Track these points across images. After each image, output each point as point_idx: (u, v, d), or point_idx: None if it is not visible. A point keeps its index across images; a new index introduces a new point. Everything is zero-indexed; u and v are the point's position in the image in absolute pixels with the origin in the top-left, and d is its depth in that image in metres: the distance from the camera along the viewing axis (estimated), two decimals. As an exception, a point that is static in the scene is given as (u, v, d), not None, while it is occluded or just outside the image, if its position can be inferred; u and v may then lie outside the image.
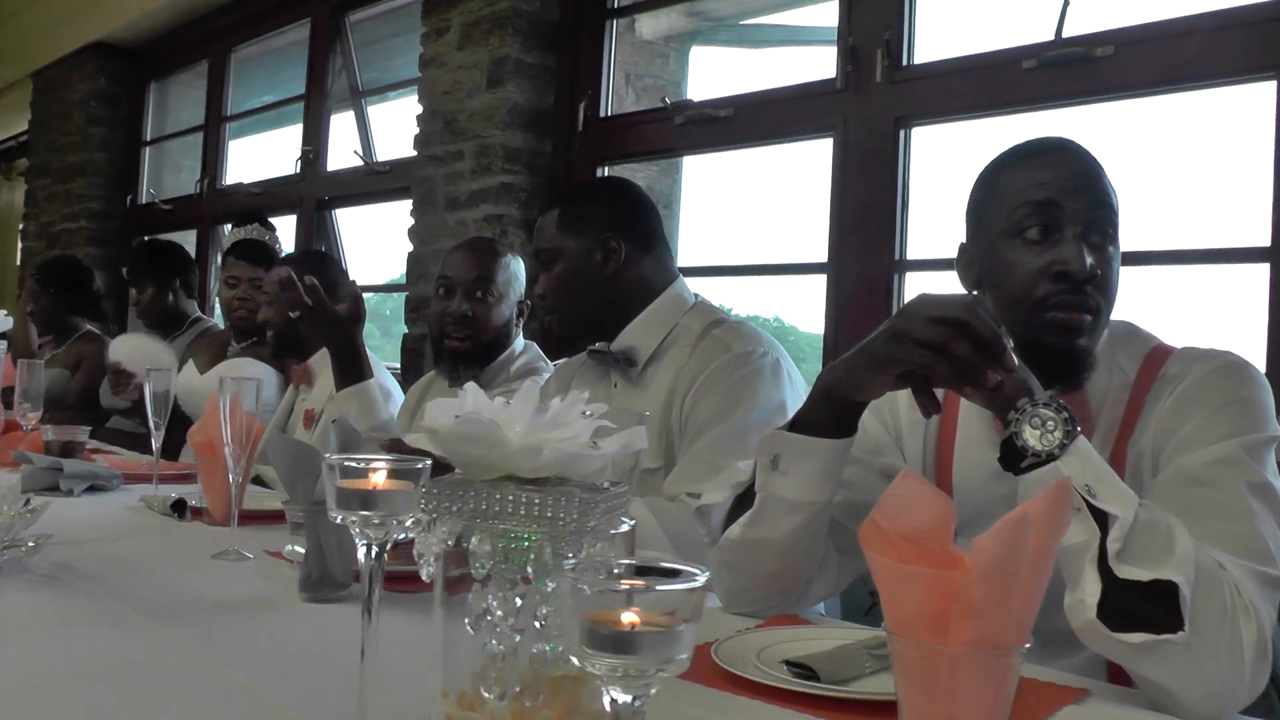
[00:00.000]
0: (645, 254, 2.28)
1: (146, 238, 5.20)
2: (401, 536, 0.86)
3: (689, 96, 4.12)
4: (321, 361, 3.36)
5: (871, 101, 3.33)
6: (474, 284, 2.71)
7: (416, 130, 4.39)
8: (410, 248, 4.35)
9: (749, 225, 3.98)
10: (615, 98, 4.14)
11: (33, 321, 5.11)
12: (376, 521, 0.86)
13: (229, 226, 4.71)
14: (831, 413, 1.48)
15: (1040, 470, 1.35)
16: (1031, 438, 1.35)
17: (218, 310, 5.04)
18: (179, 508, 2.32)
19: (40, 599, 1.55)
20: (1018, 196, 1.64)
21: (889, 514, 1.06)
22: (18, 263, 8.29)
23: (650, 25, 4.31)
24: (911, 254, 3.30)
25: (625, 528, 0.62)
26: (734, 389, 2.04)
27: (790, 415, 2.06)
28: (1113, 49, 2.88)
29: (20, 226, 7.93)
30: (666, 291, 2.28)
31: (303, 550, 1.62)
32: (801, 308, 3.91)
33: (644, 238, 2.28)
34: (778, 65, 4.13)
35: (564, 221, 2.28)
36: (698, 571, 0.66)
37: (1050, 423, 1.35)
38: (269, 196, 5.79)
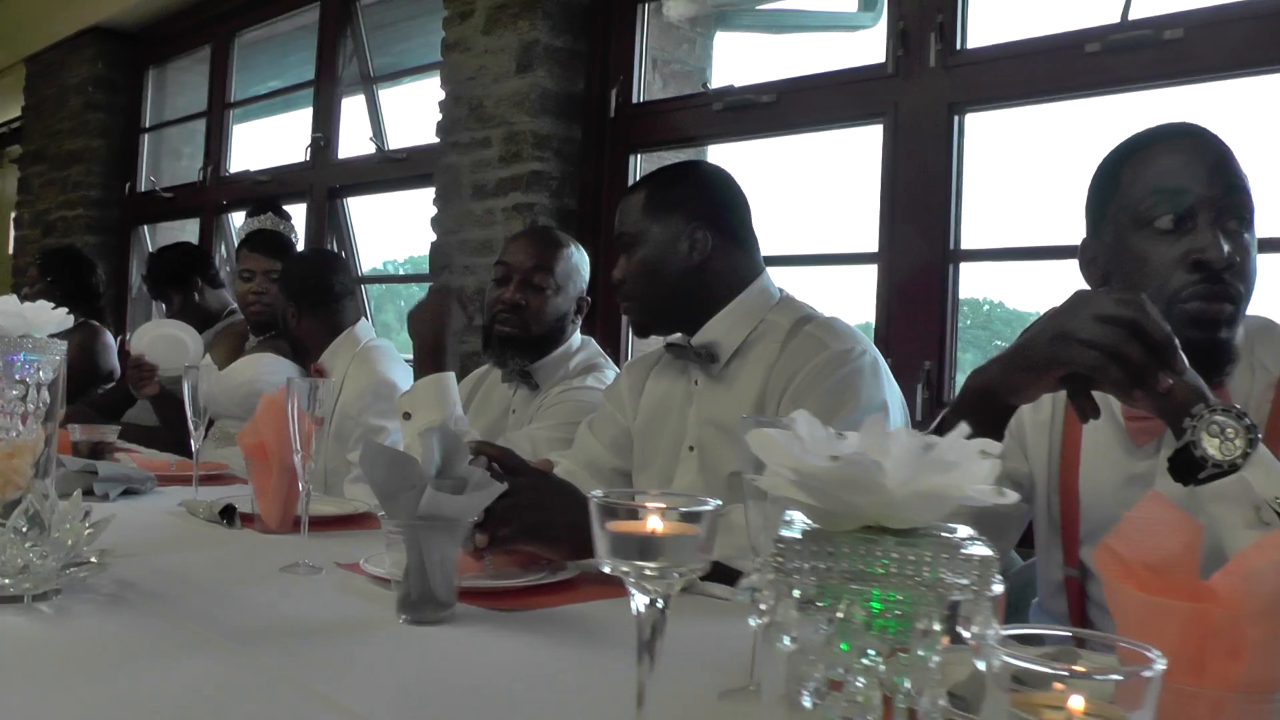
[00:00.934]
0: (733, 246, 2.16)
1: (154, 250, 5.05)
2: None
3: (714, 83, 4.00)
4: (331, 357, 3.23)
5: (924, 86, 3.22)
6: (531, 272, 2.59)
7: (438, 116, 4.25)
8: (433, 237, 4.22)
9: (787, 214, 3.87)
10: (644, 84, 4.02)
11: None
12: (654, 573, 0.73)
13: (241, 216, 4.57)
14: (982, 416, 1.37)
15: (1222, 481, 1.25)
16: (1211, 446, 1.25)
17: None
18: (228, 514, 2.19)
19: (113, 623, 1.43)
20: (1146, 185, 1.55)
21: (1130, 540, 0.94)
22: (10, 251, 8.12)
23: (675, 9, 4.18)
24: (965, 243, 3.19)
25: (999, 589, 0.50)
26: (836, 390, 1.92)
27: (892, 416, 1.95)
28: (1182, 31, 2.78)
29: (13, 214, 7.76)
30: (753, 284, 2.17)
31: (392, 565, 1.51)
32: (845, 299, 3.81)
33: (733, 229, 2.17)
34: (806, 50, 4.01)
35: (650, 205, 2.16)
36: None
37: (1230, 429, 1.26)
38: (277, 184, 5.64)
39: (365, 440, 1.44)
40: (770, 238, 3.86)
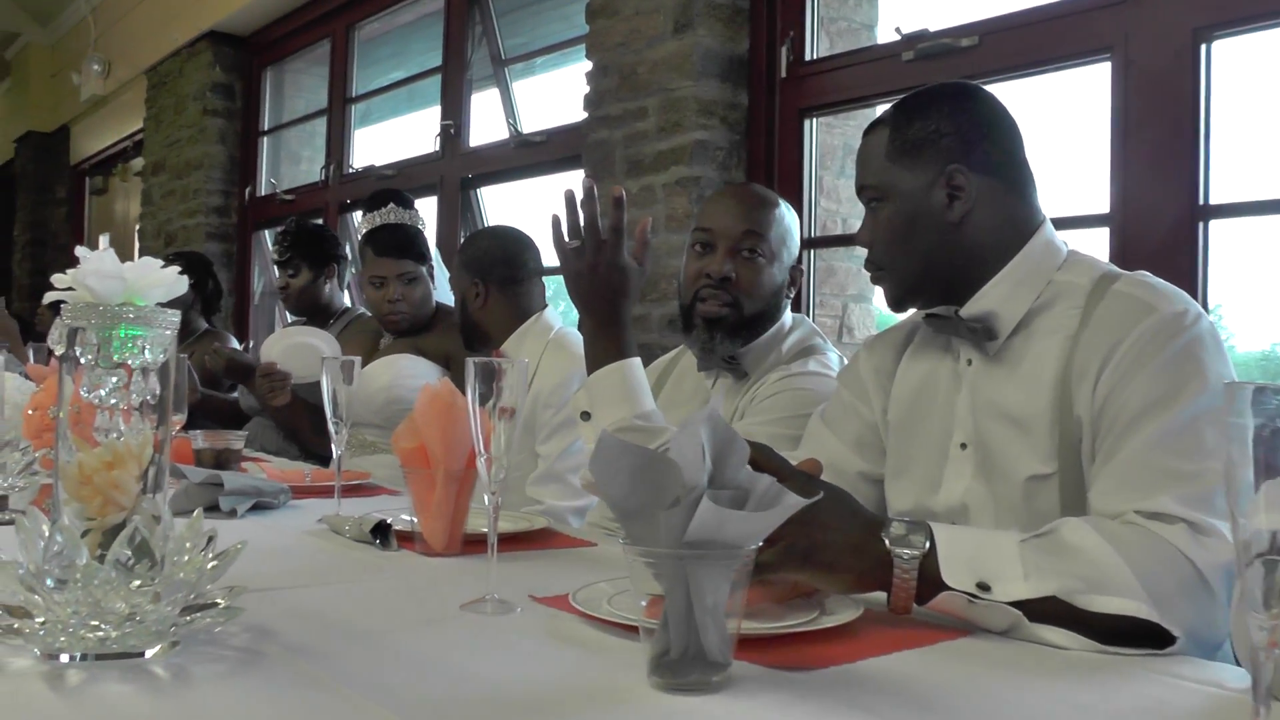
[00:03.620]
0: (1005, 190, 1.68)
1: (296, 218, 4.70)
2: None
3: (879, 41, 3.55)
4: (517, 345, 2.83)
5: (1161, 11, 2.71)
6: (741, 238, 2.13)
7: (581, 94, 3.84)
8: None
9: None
10: (816, 39, 3.57)
11: None
12: None
13: (358, 215, 4.19)
14: None
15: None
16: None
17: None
18: (381, 533, 1.78)
19: (248, 690, 1.02)
20: None
21: None
22: (134, 265, 7.95)
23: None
24: (1216, 198, 2.68)
25: None
26: (1174, 365, 1.42)
27: None
28: None
29: (137, 227, 7.60)
30: (1034, 239, 1.67)
31: (637, 605, 1.07)
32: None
33: (1002, 168, 1.69)
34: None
35: (895, 149, 1.69)
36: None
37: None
38: (404, 178, 5.28)
39: (603, 436, 1.00)
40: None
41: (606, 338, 1.98)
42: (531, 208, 4.82)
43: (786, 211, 2.21)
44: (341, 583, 1.55)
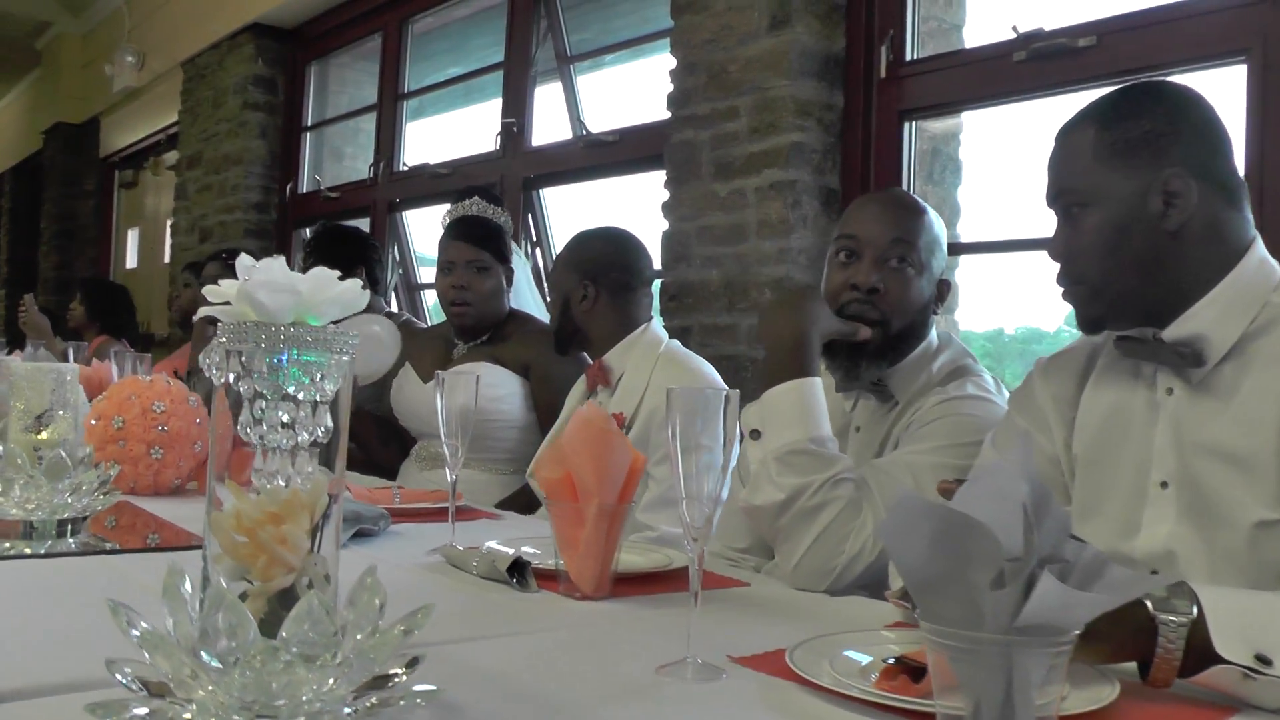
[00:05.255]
0: (1220, 201, 1.50)
1: (326, 223, 4.52)
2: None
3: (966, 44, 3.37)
4: (622, 356, 2.63)
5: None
6: (890, 247, 1.93)
7: (667, 89, 3.66)
8: (665, 225, 3.62)
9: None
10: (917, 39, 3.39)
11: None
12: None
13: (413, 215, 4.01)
14: None
15: None
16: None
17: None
18: (519, 571, 1.60)
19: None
20: None
21: None
22: (166, 260, 7.79)
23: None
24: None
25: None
26: None
27: None
28: None
29: (170, 221, 7.43)
30: (1248, 256, 1.50)
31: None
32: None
33: (1220, 175, 1.51)
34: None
35: (1105, 149, 1.51)
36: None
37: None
38: (461, 177, 5.08)
39: (904, 494, 0.81)
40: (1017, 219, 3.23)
41: (787, 353, 1.85)
42: (599, 210, 4.63)
43: (935, 219, 2.02)
44: (504, 635, 1.36)
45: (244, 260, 0.99)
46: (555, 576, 1.57)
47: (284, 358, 0.95)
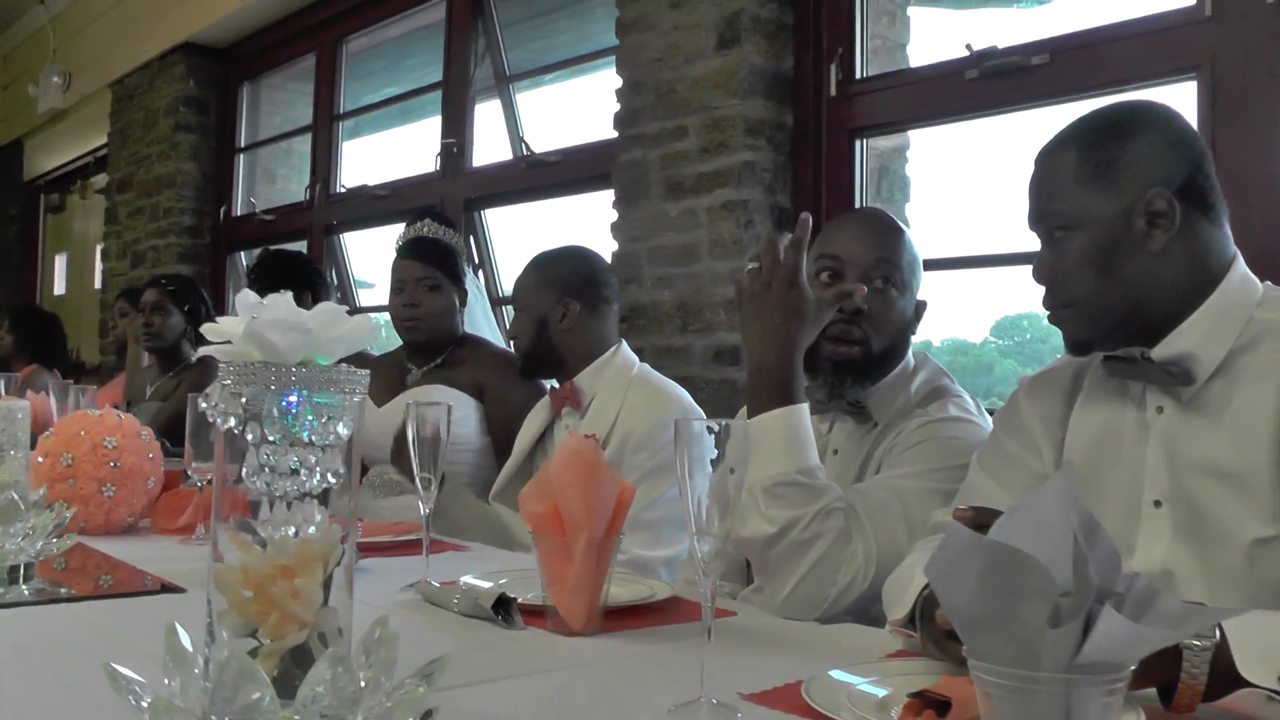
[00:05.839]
0: (1202, 218, 1.51)
1: (271, 248, 4.45)
2: None
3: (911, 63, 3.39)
4: (593, 379, 2.60)
5: (1252, 32, 2.56)
6: (873, 266, 1.92)
7: (616, 107, 3.64)
8: (614, 246, 3.60)
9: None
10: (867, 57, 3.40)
11: (150, 339, 4.40)
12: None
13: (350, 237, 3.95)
14: None
15: None
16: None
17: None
18: (504, 608, 1.56)
19: None
20: None
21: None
22: (97, 285, 7.62)
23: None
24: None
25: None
26: None
27: None
28: None
29: (100, 246, 7.27)
30: (1230, 273, 1.51)
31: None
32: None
33: (1203, 193, 1.52)
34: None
35: (1086, 171, 1.51)
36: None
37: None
38: (400, 198, 5.03)
39: (952, 529, 0.80)
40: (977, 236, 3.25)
41: (771, 377, 1.79)
42: (543, 231, 4.59)
43: (912, 238, 2.02)
44: (505, 677, 1.33)
45: (247, 297, 0.95)
46: (541, 612, 1.54)
47: (294, 400, 0.91)
